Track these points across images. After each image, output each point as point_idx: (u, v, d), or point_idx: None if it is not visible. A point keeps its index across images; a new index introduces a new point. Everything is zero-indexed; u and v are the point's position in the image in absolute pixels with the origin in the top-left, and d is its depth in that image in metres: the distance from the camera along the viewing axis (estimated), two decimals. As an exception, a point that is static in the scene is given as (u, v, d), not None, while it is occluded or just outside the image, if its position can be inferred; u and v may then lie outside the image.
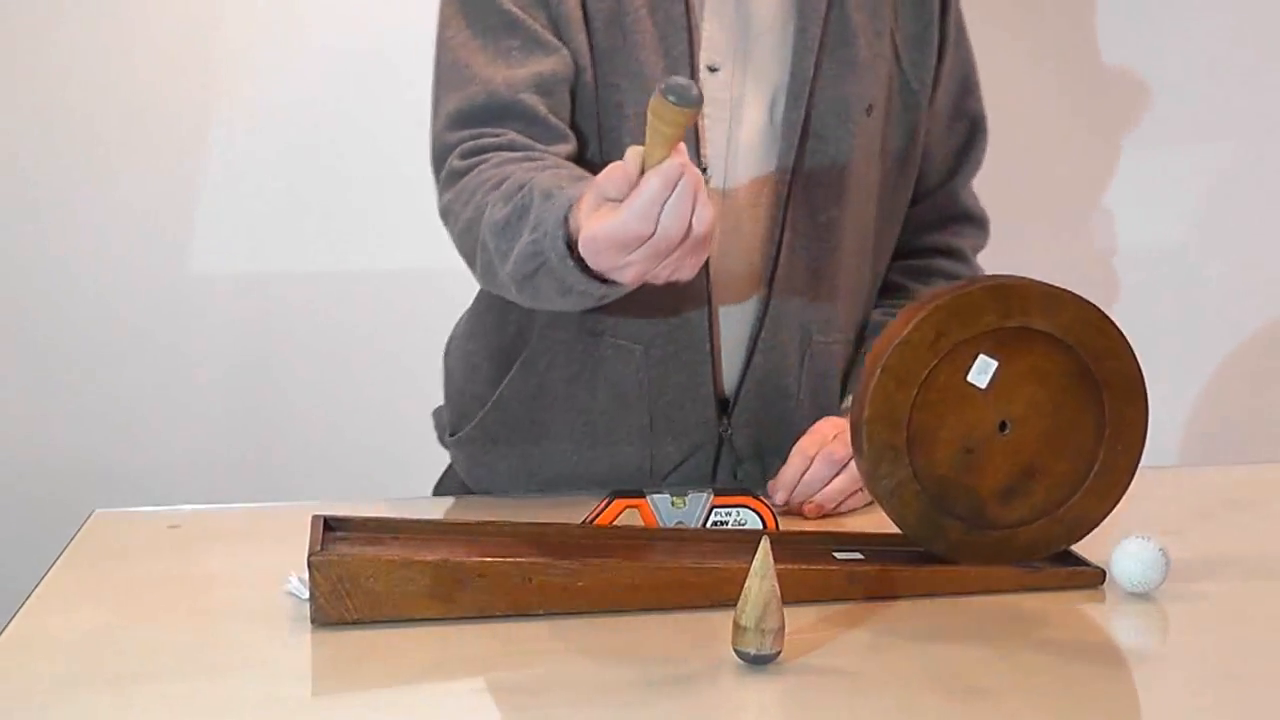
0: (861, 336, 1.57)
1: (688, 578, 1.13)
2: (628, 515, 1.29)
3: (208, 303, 2.36)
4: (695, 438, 1.50)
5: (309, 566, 1.08)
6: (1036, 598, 1.17)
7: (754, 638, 1.00)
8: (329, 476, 2.37)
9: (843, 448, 1.41)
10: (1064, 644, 1.09)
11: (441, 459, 1.64)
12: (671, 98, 1.03)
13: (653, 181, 1.07)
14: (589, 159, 1.41)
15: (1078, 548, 1.22)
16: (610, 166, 1.10)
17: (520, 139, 1.36)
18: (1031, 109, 2.43)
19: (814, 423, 1.47)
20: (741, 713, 0.98)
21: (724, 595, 1.08)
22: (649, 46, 1.41)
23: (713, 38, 1.44)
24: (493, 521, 1.24)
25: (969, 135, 1.60)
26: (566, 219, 1.17)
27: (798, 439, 1.44)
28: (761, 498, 1.33)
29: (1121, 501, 1.20)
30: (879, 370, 1.16)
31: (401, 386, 2.12)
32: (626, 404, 1.48)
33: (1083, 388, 1.18)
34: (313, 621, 1.09)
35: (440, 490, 1.64)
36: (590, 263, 1.14)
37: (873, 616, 1.13)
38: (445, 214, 1.39)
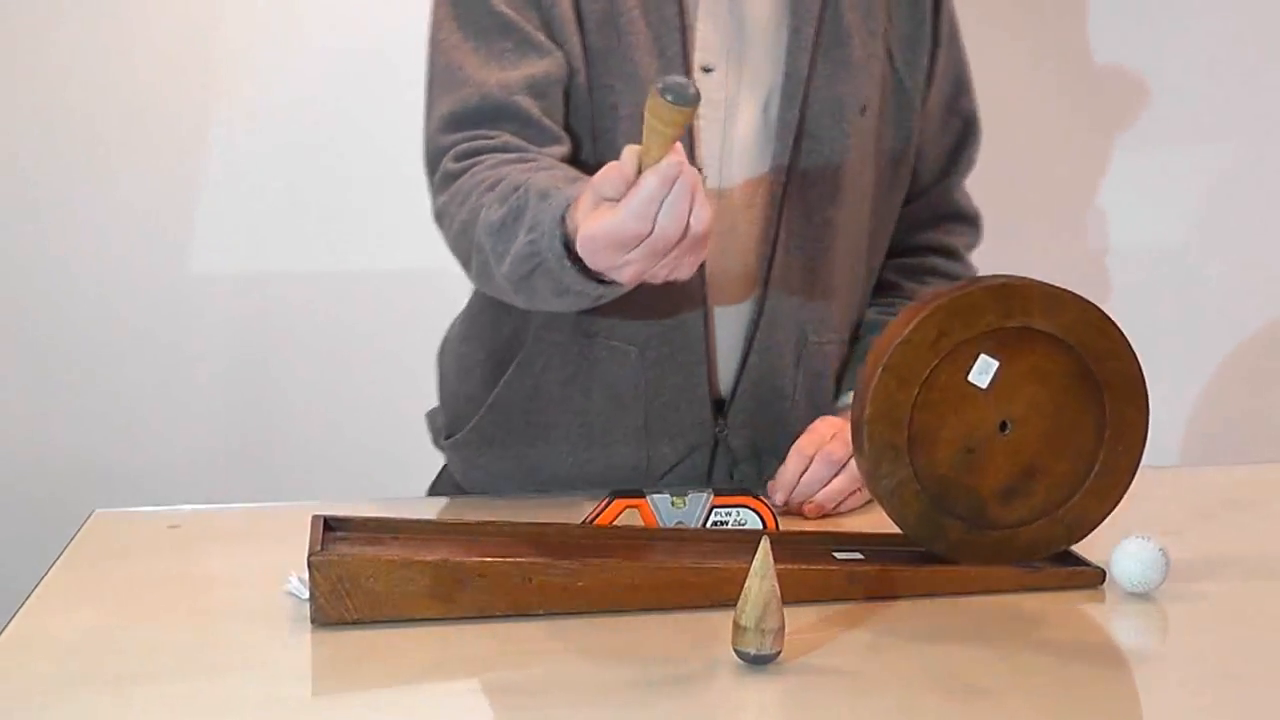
0: (856, 336, 1.57)
1: (688, 578, 1.13)
2: (628, 515, 1.29)
3: (208, 302, 2.36)
4: (691, 439, 1.49)
5: (309, 566, 1.08)
6: (1036, 598, 1.17)
7: (754, 638, 1.00)
8: (329, 476, 2.37)
9: (841, 447, 1.41)
10: (1064, 644, 1.09)
11: (440, 459, 1.64)
12: (669, 97, 1.03)
13: (650, 180, 1.06)
14: (583, 161, 1.41)
15: (1078, 548, 1.22)
16: (607, 166, 1.10)
17: (514, 141, 1.36)
18: (1031, 109, 2.44)
19: (809, 423, 1.47)
20: (741, 713, 0.98)
21: (724, 595, 1.08)
22: (643, 47, 1.40)
23: (707, 38, 1.43)
24: (493, 521, 1.24)
25: (962, 134, 1.60)
26: (563, 219, 1.17)
27: (793, 439, 1.44)
28: (761, 498, 1.33)
29: (1122, 501, 1.20)
30: (880, 369, 1.16)
31: (401, 386, 2.12)
32: (622, 405, 1.47)
33: (1083, 388, 1.18)
34: (313, 621, 1.09)
35: (434, 493, 1.63)
36: (588, 262, 1.14)
37: (873, 616, 1.13)
38: (440, 216, 1.38)
